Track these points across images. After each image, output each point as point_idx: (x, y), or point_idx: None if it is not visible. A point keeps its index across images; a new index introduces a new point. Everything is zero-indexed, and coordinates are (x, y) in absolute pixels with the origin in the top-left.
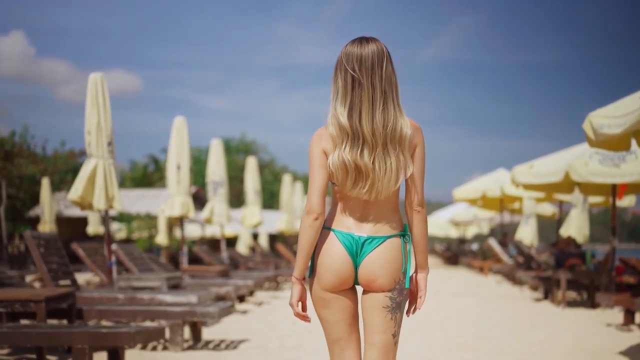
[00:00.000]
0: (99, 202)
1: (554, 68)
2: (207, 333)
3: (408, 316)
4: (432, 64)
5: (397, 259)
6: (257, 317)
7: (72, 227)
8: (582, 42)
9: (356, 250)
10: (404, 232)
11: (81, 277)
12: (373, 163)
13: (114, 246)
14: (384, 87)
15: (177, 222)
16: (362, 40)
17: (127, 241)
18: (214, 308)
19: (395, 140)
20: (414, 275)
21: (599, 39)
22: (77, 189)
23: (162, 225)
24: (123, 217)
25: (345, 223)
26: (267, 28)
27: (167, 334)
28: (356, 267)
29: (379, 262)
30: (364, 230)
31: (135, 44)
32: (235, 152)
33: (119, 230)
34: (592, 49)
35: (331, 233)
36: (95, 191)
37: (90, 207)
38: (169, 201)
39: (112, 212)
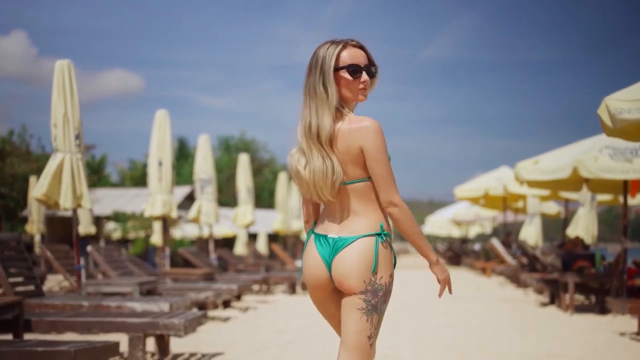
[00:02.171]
0: (65, 200)
1: (555, 66)
2: (177, 345)
3: (440, 297)
4: (433, 63)
5: (365, 259)
6: (239, 325)
7: (66, 227)
8: (585, 41)
9: (329, 252)
10: (380, 232)
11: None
12: (305, 167)
13: (89, 248)
14: (305, 94)
15: (160, 220)
16: None
17: (124, 241)
18: (179, 319)
19: (320, 144)
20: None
21: (601, 38)
22: (42, 186)
23: (157, 225)
24: (118, 217)
25: (323, 225)
26: (267, 28)
27: (127, 347)
28: (329, 268)
29: (346, 263)
30: (335, 231)
31: (137, 44)
32: (235, 151)
33: (114, 230)
34: (595, 47)
35: (312, 236)
36: (62, 188)
37: (56, 205)
38: (150, 199)
39: (106, 212)
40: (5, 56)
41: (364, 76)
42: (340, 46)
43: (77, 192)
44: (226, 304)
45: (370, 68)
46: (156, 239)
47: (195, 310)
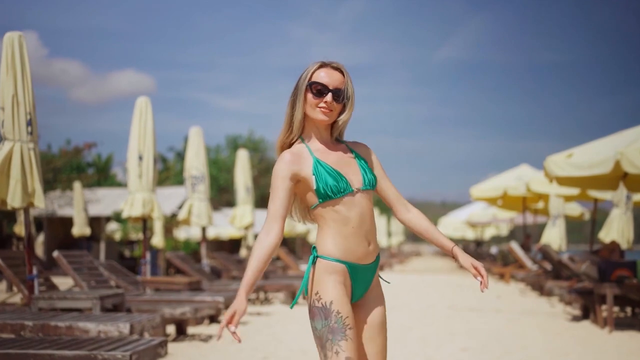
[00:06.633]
0: (13, 198)
1: (568, 68)
2: None
3: (482, 291)
4: (446, 64)
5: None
6: (221, 347)
7: (67, 228)
8: (598, 42)
9: None
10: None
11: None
12: None
13: (55, 253)
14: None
15: (139, 221)
16: None
17: (129, 242)
18: (124, 351)
19: None
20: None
21: (615, 38)
22: None
23: (157, 227)
24: (119, 217)
25: None
26: (281, 29)
27: None
28: None
29: None
30: None
31: (148, 45)
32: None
33: (116, 231)
34: (608, 48)
35: None
36: (10, 184)
37: (3, 204)
38: (129, 198)
39: (108, 212)
40: None
41: (328, 97)
42: (318, 65)
43: (29, 189)
44: (213, 318)
45: (340, 93)
46: (157, 240)
47: (171, 329)
